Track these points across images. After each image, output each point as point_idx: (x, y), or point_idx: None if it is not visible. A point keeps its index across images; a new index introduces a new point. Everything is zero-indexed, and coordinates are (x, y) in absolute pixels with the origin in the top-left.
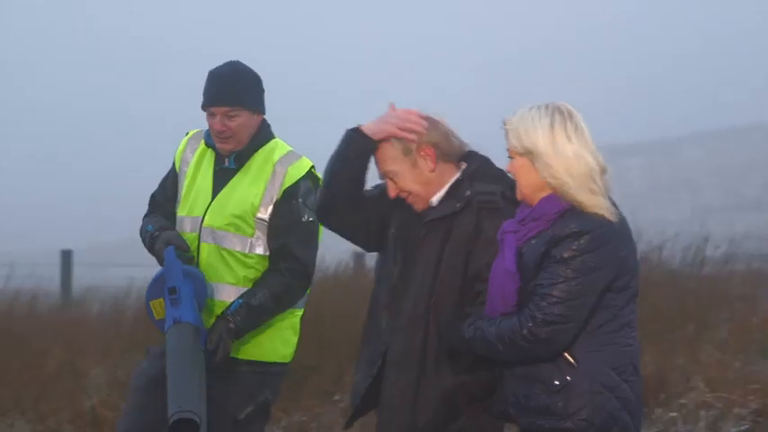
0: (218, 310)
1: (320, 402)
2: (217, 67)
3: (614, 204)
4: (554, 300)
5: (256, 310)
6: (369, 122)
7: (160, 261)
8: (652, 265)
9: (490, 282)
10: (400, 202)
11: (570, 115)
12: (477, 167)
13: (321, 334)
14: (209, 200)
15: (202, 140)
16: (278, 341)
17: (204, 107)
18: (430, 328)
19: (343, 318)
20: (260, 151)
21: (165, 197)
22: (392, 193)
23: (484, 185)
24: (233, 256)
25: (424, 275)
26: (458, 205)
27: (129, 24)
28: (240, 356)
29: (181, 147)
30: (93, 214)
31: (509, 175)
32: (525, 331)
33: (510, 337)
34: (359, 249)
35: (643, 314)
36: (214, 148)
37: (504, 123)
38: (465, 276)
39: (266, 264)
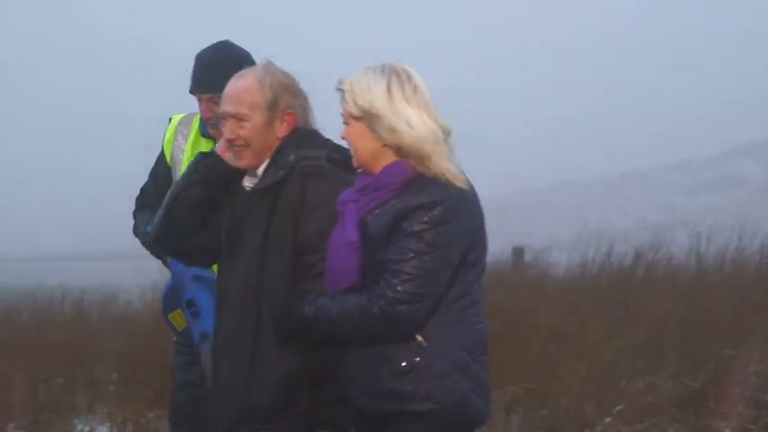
0: None
1: None
2: (203, 50)
3: (461, 170)
4: (406, 277)
5: None
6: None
7: (165, 264)
8: None
9: (330, 255)
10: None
11: (409, 77)
12: (301, 137)
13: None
14: None
15: (195, 128)
16: None
17: (191, 92)
18: (262, 307)
19: (502, 312)
20: None
21: (158, 190)
22: (229, 134)
23: (307, 151)
24: None
25: (252, 251)
26: (280, 173)
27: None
28: None
29: (169, 134)
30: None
31: (342, 144)
32: (376, 309)
33: (360, 316)
34: (518, 243)
35: None
36: (209, 137)
37: (340, 85)
38: (294, 249)
39: None
